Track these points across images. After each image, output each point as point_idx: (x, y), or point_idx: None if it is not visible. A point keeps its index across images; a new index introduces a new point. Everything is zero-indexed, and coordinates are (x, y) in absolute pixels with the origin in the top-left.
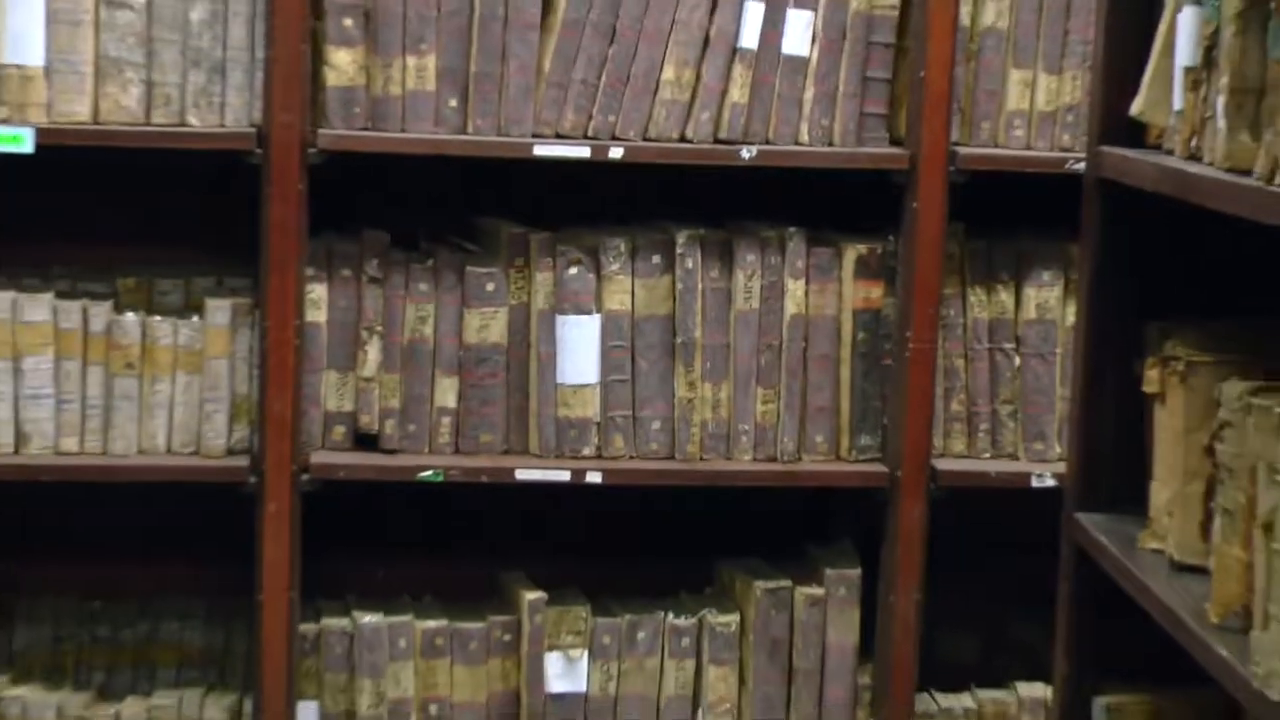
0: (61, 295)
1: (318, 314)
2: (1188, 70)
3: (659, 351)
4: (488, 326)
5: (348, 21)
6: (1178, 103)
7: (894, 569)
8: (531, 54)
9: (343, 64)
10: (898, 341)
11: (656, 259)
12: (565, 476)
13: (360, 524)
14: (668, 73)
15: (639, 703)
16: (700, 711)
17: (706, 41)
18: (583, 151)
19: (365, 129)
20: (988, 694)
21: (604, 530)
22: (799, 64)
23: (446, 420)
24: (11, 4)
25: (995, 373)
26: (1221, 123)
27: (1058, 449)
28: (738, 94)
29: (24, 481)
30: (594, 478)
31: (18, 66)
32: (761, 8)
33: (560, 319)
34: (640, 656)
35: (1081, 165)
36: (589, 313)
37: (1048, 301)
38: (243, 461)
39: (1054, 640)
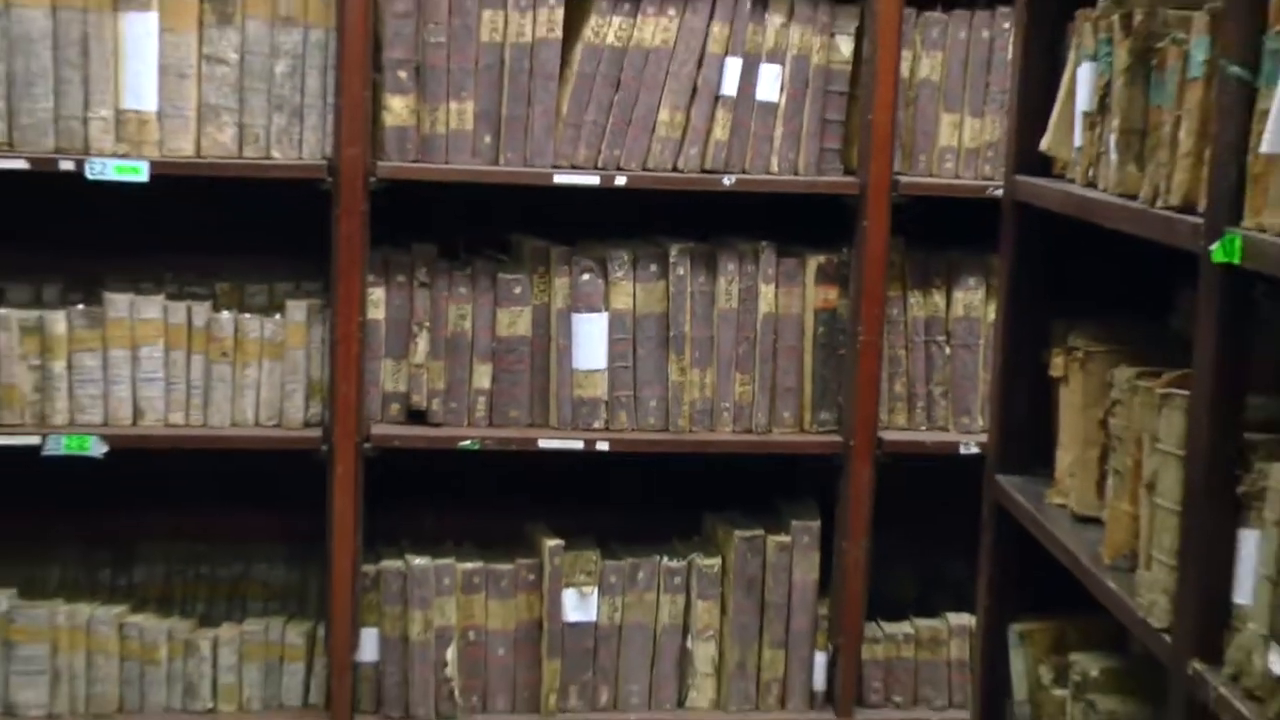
0: (170, 297)
1: (377, 312)
2: (1086, 114)
3: (656, 343)
4: (516, 322)
5: (402, 74)
6: (1078, 140)
7: (847, 520)
8: (551, 100)
9: (398, 108)
10: (850, 335)
11: (654, 267)
12: (579, 445)
13: (412, 484)
14: (663, 115)
15: (639, 630)
16: (689, 637)
17: (694, 90)
18: (593, 179)
19: (416, 161)
20: (924, 622)
21: (611, 489)
22: (770, 109)
23: (482, 399)
24: (130, 61)
25: (930, 361)
26: (1113, 157)
27: (981, 422)
28: (720, 133)
29: (140, 448)
30: (602, 446)
31: (135, 111)
32: (739, 62)
33: (575, 316)
34: (640, 592)
35: (1000, 191)
36: (598, 311)
37: (973, 302)
38: (316, 433)
39: (978, 578)
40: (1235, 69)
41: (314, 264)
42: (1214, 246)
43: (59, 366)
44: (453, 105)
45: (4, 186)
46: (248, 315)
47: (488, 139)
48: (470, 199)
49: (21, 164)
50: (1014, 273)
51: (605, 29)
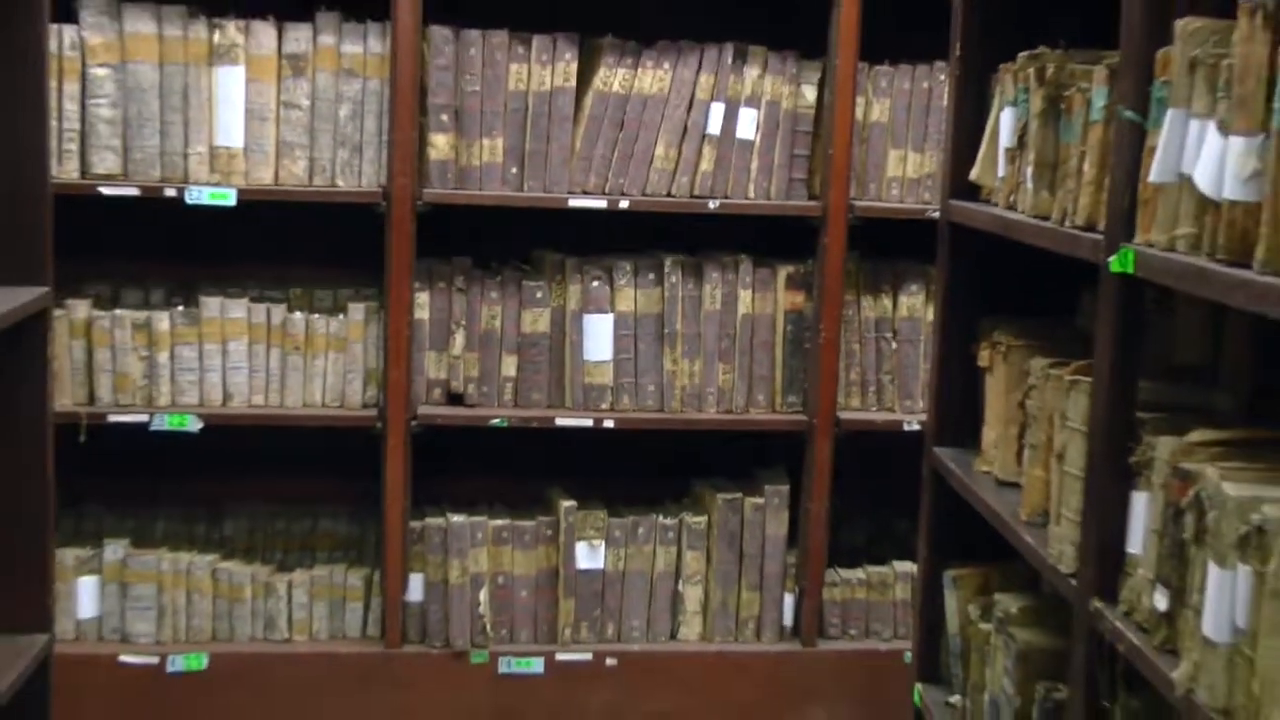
0: (253, 300)
1: (422, 313)
2: (1007, 150)
3: (653, 338)
4: (537, 321)
5: (444, 116)
6: (1001, 171)
7: (811, 485)
8: (567, 137)
9: (440, 145)
10: (813, 332)
11: (651, 276)
12: (589, 423)
13: (451, 455)
14: (659, 150)
15: (639, 576)
16: (680, 582)
17: (685, 130)
18: (601, 203)
19: (455, 188)
20: (874, 569)
21: (616, 459)
22: (747, 145)
23: (509, 384)
24: (221, 106)
25: (879, 353)
26: (1029, 185)
27: (921, 404)
28: (706, 165)
29: (229, 426)
30: (609, 424)
31: (226, 147)
32: (722, 107)
33: (586, 316)
34: (640, 544)
35: (937, 213)
36: (605, 312)
37: (915, 305)
38: (372, 412)
39: (918, 532)
40: (1128, 113)
41: (370, 273)
42: (1112, 259)
43: (163, 357)
44: (485, 142)
45: (119, 209)
46: (316, 315)
47: (514, 170)
48: (499, 219)
49: (134, 191)
50: (949, 281)
51: (611, 79)
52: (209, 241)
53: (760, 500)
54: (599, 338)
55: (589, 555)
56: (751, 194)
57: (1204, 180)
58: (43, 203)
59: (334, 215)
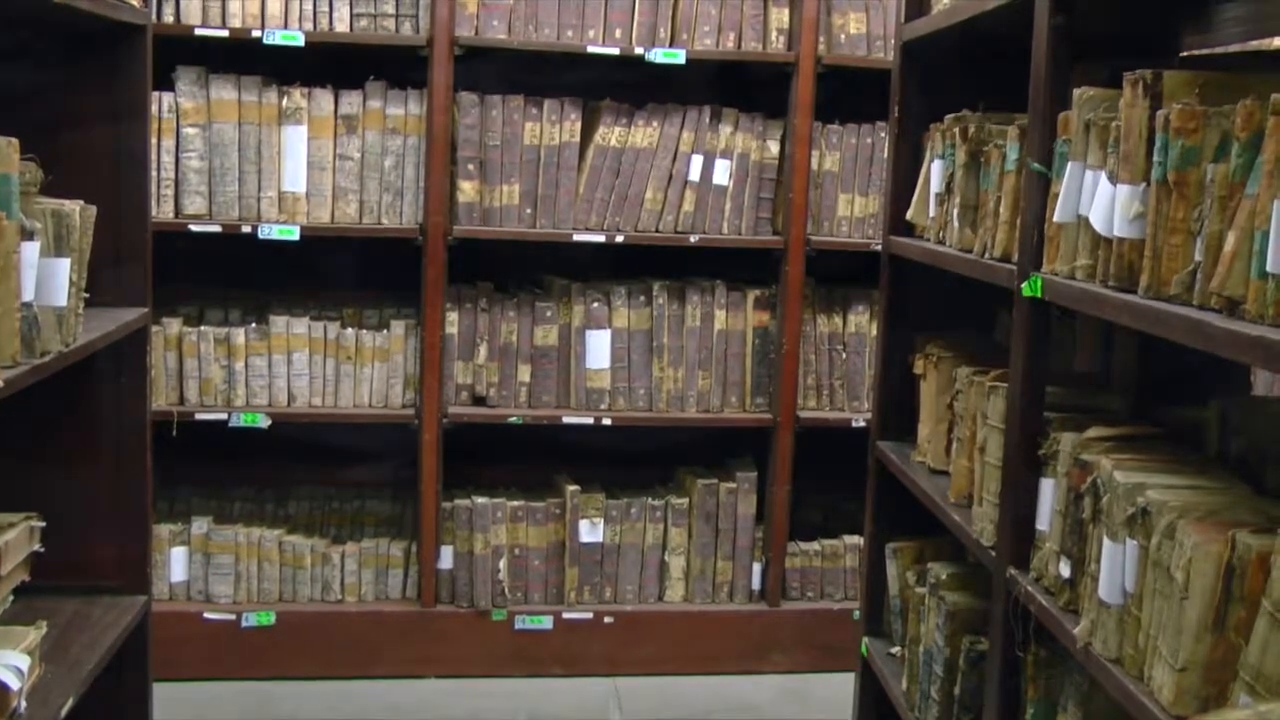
0: (313, 318)
1: (452, 329)
2: (937, 194)
3: (643, 350)
4: (547, 336)
5: (470, 166)
6: (932, 212)
7: (775, 472)
8: (572, 183)
9: (467, 189)
10: (777, 345)
11: (642, 298)
12: (590, 421)
13: (476, 447)
14: (649, 194)
15: (632, 548)
16: (667, 553)
17: (670, 177)
18: (600, 238)
19: (480, 226)
20: (828, 542)
21: (613, 451)
22: (722, 190)
23: (524, 389)
24: (288, 158)
25: (832, 362)
26: (955, 224)
27: (866, 405)
28: (688, 206)
29: (292, 422)
30: (607, 421)
31: (291, 192)
32: (701, 158)
33: (588, 331)
34: (633, 522)
35: (879, 247)
36: (604, 328)
37: (861, 323)
38: (411, 411)
39: (865, 511)
40: (1036, 165)
41: (409, 296)
42: (1023, 285)
43: (239, 365)
44: (504, 187)
45: (205, 244)
46: (364, 331)
47: (528, 210)
48: (516, 251)
49: (216, 228)
50: (889, 302)
51: (610, 135)
52: (277, 270)
53: (733, 485)
54: (599, 350)
55: (590, 530)
56: (725, 230)
57: (1097, 220)
58: (144, 239)
59: (380, 248)
